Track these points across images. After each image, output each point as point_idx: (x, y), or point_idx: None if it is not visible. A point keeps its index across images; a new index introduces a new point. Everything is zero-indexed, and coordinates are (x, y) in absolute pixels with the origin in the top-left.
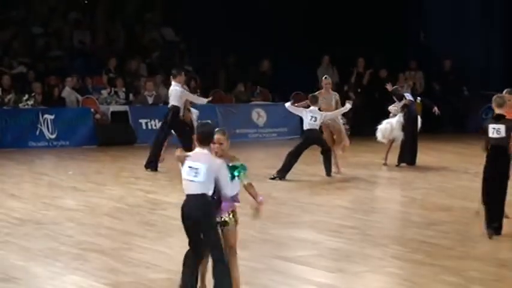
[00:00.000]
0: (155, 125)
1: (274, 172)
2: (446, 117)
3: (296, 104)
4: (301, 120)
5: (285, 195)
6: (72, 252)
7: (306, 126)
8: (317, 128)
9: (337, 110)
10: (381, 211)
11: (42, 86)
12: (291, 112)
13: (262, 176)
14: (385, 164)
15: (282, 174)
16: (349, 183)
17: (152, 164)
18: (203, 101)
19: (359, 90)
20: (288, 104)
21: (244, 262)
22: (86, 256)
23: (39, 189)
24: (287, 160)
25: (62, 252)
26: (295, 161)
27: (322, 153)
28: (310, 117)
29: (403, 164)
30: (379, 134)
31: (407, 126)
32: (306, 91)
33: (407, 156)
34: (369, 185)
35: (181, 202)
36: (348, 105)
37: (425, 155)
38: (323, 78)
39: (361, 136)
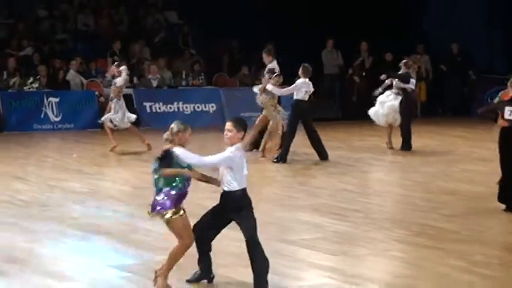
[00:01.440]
0: (159, 108)
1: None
2: (451, 100)
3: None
4: None
5: (289, 179)
6: (77, 234)
7: (298, 97)
8: (306, 100)
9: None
10: (385, 195)
11: (47, 69)
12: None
13: (267, 159)
14: (390, 148)
15: (281, 157)
16: (354, 167)
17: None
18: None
19: (363, 73)
20: (271, 87)
21: None
22: (90, 238)
23: (44, 171)
24: (285, 140)
25: (67, 234)
26: (292, 138)
27: (309, 135)
28: (305, 92)
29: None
30: (375, 119)
31: (405, 112)
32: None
33: (409, 142)
34: (373, 168)
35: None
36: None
37: (430, 139)
38: (274, 75)
39: (365, 120)
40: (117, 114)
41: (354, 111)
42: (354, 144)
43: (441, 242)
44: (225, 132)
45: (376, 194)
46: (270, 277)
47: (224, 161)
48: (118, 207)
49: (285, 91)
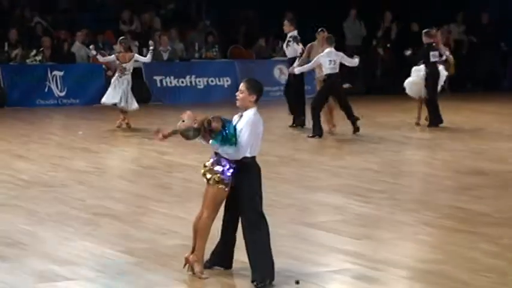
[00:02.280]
0: (170, 82)
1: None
2: (482, 74)
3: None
4: None
5: (308, 157)
6: (83, 217)
7: (326, 71)
8: (337, 71)
9: (350, 59)
10: (411, 174)
11: (51, 41)
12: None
13: (285, 136)
14: (417, 124)
15: (317, 131)
16: (378, 145)
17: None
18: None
19: (388, 45)
20: (298, 70)
21: None
22: (97, 221)
23: (47, 150)
24: (312, 115)
25: (71, 217)
26: (319, 110)
27: (343, 107)
28: (329, 61)
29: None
30: (408, 90)
31: (429, 86)
32: None
33: (437, 117)
34: (399, 146)
35: (199, 164)
36: (356, 60)
37: (458, 115)
38: (319, 30)
39: (391, 95)
40: (116, 90)
41: (378, 85)
42: (378, 121)
43: (471, 225)
44: (237, 93)
45: (402, 173)
46: (288, 262)
47: (252, 129)
48: (127, 187)
49: (308, 67)
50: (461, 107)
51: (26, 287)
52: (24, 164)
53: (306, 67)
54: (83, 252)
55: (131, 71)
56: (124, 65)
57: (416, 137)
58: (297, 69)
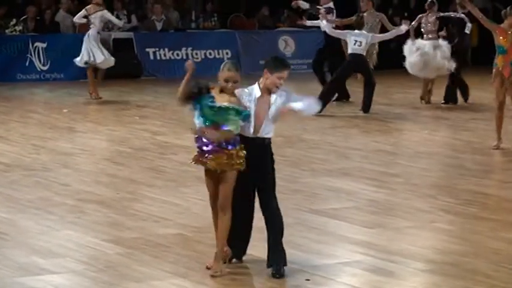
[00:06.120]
0: (164, 55)
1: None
2: None
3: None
4: None
5: (316, 138)
6: (68, 204)
7: (349, 51)
8: (362, 53)
9: (388, 33)
10: (429, 156)
11: (36, 10)
12: (323, 40)
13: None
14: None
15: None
16: (392, 124)
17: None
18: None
19: (405, 14)
20: (324, 24)
21: None
22: (83, 208)
23: (29, 129)
24: (325, 88)
25: (55, 204)
26: (336, 89)
27: (365, 85)
28: (354, 41)
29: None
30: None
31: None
32: (343, 17)
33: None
34: (415, 125)
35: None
36: (404, 27)
37: (482, 91)
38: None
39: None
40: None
41: (393, 58)
42: (392, 97)
43: (495, 212)
44: (281, 81)
45: (419, 155)
46: (294, 253)
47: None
48: (116, 171)
49: (336, 33)
50: (485, 82)
51: (6, 281)
52: (3, 146)
53: (334, 31)
54: (68, 243)
55: (97, 25)
56: (90, 16)
57: (434, 115)
58: (325, 24)
